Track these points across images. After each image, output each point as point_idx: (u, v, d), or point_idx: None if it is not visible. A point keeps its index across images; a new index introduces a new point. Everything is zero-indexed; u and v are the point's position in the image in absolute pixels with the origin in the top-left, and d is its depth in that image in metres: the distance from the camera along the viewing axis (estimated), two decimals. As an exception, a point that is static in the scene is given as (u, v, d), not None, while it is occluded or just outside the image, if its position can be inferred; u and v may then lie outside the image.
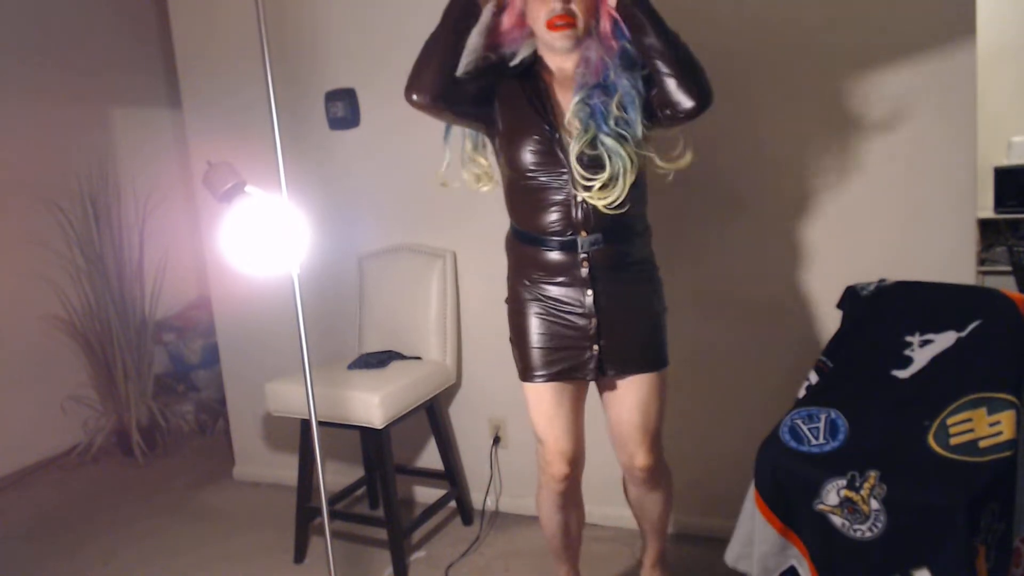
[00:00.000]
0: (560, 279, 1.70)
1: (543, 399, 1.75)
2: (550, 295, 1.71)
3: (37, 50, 3.67)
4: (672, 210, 2.26)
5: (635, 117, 1.59)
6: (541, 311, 1.72)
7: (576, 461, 1.80)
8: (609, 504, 2.56)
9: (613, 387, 1.79)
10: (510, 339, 1.81)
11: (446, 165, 1.86)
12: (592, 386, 1.86)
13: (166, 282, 3.90)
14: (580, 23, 1.61)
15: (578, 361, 1.72)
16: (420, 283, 2.68)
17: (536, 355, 1.73)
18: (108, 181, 3.77)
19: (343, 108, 2.77)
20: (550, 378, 1.73)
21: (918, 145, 2.08)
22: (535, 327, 1.73)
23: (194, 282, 4.27)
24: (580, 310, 1.69)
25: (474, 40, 1.65)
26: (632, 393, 1.76)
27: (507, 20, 1.69)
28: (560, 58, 1.70)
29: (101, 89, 3.95)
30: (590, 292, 1.68)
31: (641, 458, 1.79)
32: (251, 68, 2.77)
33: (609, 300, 1.69)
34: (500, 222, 1.88)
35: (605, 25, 1.64)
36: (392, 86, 2.70)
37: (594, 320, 1.69)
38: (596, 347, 1.70)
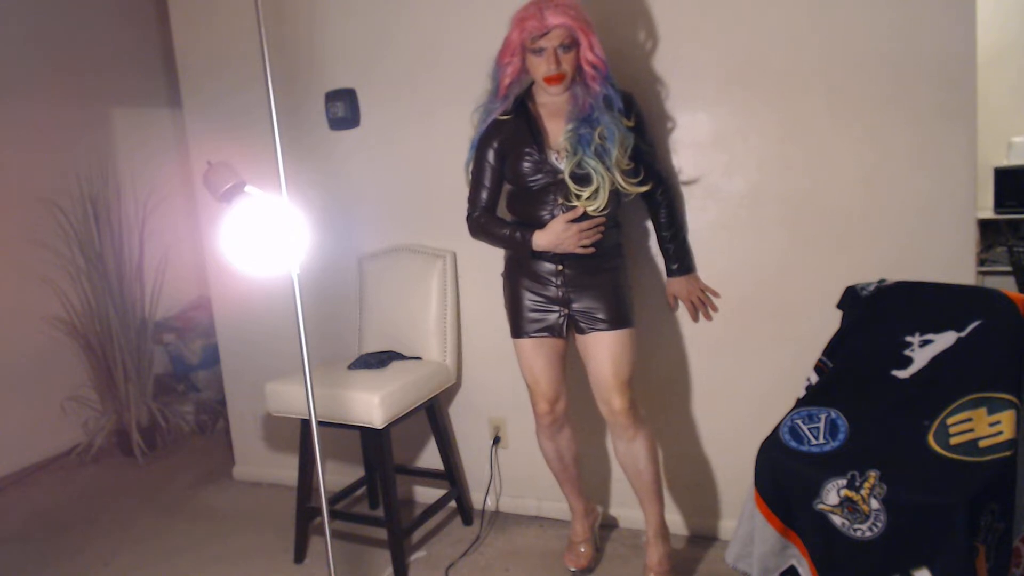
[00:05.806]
0: (541, 259, 2.14)
1: (526, 351, 2.21)
2: (533, 270, 2.15)
3: (37, 50, 3.67)
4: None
5: (612, 147, 2.00)
6: (527, 283, 2.17)
7: (554, 401, 2.23)
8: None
9: (589, 344, 2.14)
10: (504, 305, 2.26)
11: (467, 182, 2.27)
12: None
13: (166, 282, 3.90)
14: (568, 76, 2.02)
15: (552, 322, 2.16)
16: (420, 283, 2.68)
17: (522, 318, 2.19)
18: (108, 181, 3.78)
19: (343, 108, 2.77)
20: (531, 335, 2.18)
21: (918, 145, 2.08)
22: (522, 296, 2.19)
23: (194, 282, 4.27)
24: (553, 282, 2.13)
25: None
26: (605, 348, 2.11)
27: (508, 76, 2.08)
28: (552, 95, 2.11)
29: (101, 89, 3.95)
30: (560, 267, 2.12)
31: (617, 401, 2.10)
32: (251, 68, 2.78)
33: (575, 275, 2.12)
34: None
35: (587, 71, 2.01)
36: (392, 86, 2.74)
37: (563, 290, 2.12)
38: (567, 310, 2.14)
